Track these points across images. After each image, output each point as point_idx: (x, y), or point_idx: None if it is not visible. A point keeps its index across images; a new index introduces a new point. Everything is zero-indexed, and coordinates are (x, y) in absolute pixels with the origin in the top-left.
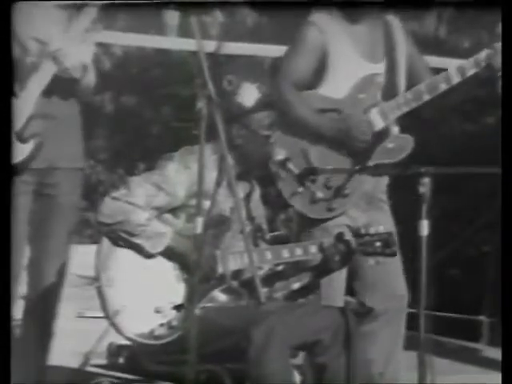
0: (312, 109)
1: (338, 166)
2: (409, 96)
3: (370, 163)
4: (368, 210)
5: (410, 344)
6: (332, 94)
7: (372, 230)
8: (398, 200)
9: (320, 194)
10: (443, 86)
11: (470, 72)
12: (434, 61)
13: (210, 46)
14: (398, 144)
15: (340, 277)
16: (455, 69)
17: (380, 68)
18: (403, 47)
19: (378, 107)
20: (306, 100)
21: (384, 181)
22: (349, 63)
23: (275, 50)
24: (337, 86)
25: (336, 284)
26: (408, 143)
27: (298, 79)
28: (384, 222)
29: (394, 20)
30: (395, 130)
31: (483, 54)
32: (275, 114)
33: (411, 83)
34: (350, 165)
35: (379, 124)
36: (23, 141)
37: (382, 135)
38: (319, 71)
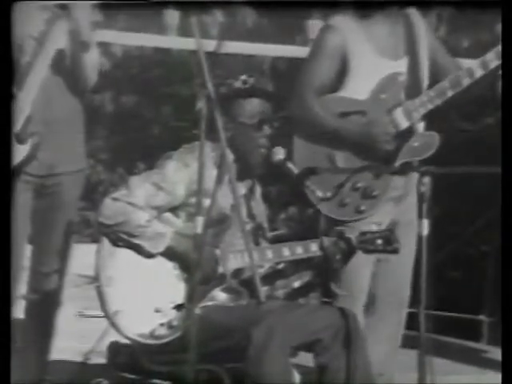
0: (335, 113)
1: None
2: (432, 93)
3: (397, 163)
4: (395, 206)
5: (410, 343)
6: (354, 96)
7: (373, 227)
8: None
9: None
10: (467, 81)
11: (493, 64)
12: None
13: (210, 45)
14: (423, 142)
15: (363, 286)
16: (478, 62)
17: (402, 65)
18: (425, 42)
19: (402, 106)
20: (329, 104)
21: (414, 177)
22: (369, 63)
23: (274, 50)
24: (359, 88)
25: (360, 284)
26: (434, 140)
27: (320, 84)
28: (407, 216)
29: (414, 15)
30: (420, 127)
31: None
32: (266, 106)
33: (436, 78)
34: (376, 167)
35: (404, 123)
36: (21, 141)
37: (407, 134)
38: (340, 74)
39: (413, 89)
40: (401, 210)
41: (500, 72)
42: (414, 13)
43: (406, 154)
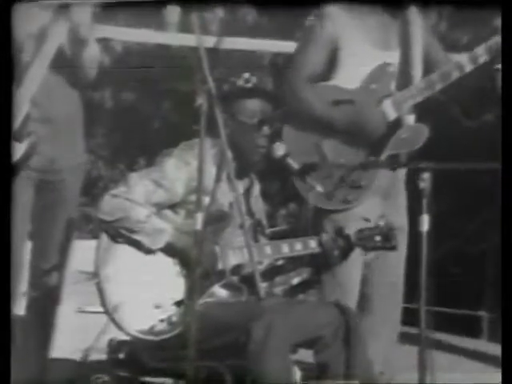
0: (325, 101)
1: (352, 158)
2: (421, 85)
3: (385, 154)
4: (384, 202)
5: (410, 340)
6: (345, 86)
7: (371, 224)
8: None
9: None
10: (456, 75)
11: (482, 59)
12: None
13: (210, 41)
14: (412, 134)
15: (354, 279)
16: (467, 56)
17: (394, 56)
18: (419, 35)
19: (392, 97)
20: (319, 92)
21: (402, 171)
22: (361, 53)
23: (275, 46)
24: (349, 77)
25: (353, 277)
26: (422, 132)
27: (311, 72)
28: (396, 214)
29: (410, 8)
30: (409, 119)
31: (494, 41)
32: (268, 106)
33: (428, 72)
34: (364, 156)
35: (392, 114)
36: (19, 139)
37: (395, 126)
38: (331, 63)
39: (404, 82)
40: (390, 209)
41: (497, 67)
42: (410, 7)
43: (394, 146)
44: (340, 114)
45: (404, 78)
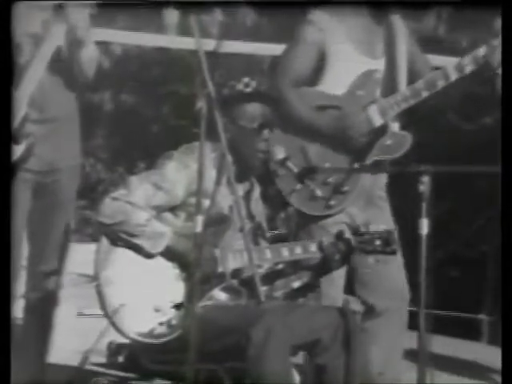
0: (311, 106)
1: (336, 163)
2: (407, 93)
3: (369, 160)
4: (367, 208)
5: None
6: (331, 91)
7: (372, 228)
8: (397, 198)
9: (318, 192)
10: (441, 83)
11: (468, 69)
12: (433, 59)
13: (210, 44)
14: (396, 141)
15: (339, 276)
16: (453, 65)
17: (379, 64)
18: (404, 44)
19: (377, 104)
20: (305, 97)
21: (383, 178)
22: (348, 60)
23: (274, 49)
24: (336, 83)
25: (336, 283)
26: (406, 140)
27: (297, 77)
28: (382, 220)
29: (395, 17)
30: (394, 126)
31: (481, 51)
32: (268, 110)
33: (412, 81)
34: (348, 162)
35: (377, 121)
36: (16, 141)
37: (380, 132)
38: (318, 69)
39: (390, 88)
40: (373, 214)
41: (499, 70)
42: (394, 16)
43: (378, 152)
44: (325, 119)
45: (389, 85)
